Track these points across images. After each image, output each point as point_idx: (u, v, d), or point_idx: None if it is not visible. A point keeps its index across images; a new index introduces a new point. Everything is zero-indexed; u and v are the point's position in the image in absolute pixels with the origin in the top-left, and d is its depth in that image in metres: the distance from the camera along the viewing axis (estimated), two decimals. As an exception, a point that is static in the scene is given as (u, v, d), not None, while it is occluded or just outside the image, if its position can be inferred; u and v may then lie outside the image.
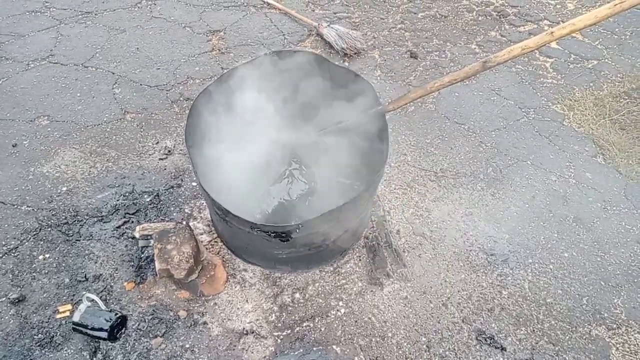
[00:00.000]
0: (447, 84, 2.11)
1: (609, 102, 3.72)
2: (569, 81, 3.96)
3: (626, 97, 3.77)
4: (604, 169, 3.19)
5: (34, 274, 2.45)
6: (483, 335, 2.29)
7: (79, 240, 2.60)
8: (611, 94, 3.81)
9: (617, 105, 3.68)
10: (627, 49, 4.35)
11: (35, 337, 2.20)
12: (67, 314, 2.29)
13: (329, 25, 4.19)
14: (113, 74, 3.69)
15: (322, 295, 2.42)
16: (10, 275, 2.42)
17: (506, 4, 4.90)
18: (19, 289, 2.38)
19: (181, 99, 3.54)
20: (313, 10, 4.62)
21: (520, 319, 2.37)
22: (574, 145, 3.36)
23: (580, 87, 3.89)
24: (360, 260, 2.57)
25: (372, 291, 2.44)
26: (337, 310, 2.36)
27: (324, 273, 2.51)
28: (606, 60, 4.21)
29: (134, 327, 2.24)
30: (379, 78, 3.89)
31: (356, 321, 2.32)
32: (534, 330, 2.34)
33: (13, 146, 3.07)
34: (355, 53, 4.09)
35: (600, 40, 4.43)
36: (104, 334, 2.14)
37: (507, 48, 1.96)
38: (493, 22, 4.64)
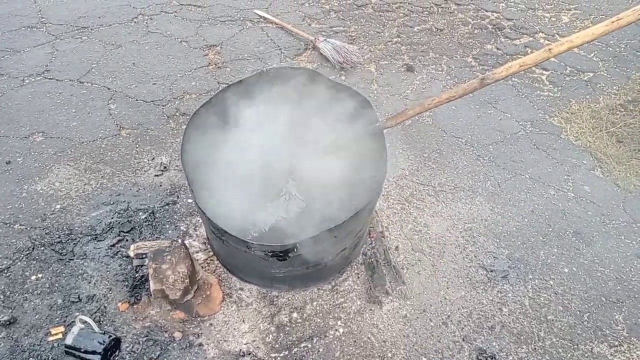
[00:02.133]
0: (445, 101, 2.09)
1: (605, 114, 3.72)
2: (565, 94, 3.96)
3: (622, 110, 3.78)
4: (602, 182, 3.18)
5: (26, 294, 2.40)
6: (484, 355, 2.25)
7: (73, 260, 2.55)
8: (607, 106, 3.81)
9: (613, 118, 3.68)
10: (622, 61, 4.37)
11: (26, 360, 2.15)
12: (60, 336, 2.24)
13: (325, 39, 4.19)
14: (109, 89, 3.67)
15: (320, 314, 2.38)
16: (2, 297, 2.37)
17: (501, 17, 4.92)
18: (10, 310, 2.33)
19: (177, 114, 3.52)
20: (309, 25, 4.63)
21: (522, 337, 2.34)
22: (571, 158, 3.35)
23: (576, 100, 3.89)
24: (358, 277, 2.53)
25: (371, 310, 2.40)
26: (336, 330, 2.32)
27: (322, 291, 2.47)
28: (602, 72, 4.23)
29: (127, 349, 2.19)
30: (375, 92, 3.89)
31: (355, 341, 2.28)
32: (535, 349, 2.31)
33: (7, 163, 3.04)
34: (351, 67, 4.10)
35: (596, 52, 4.45)
36: (98, 358, 2.09)
37: (505, 65, 1.95)
38: (489, 35, 4.65)
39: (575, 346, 2.32)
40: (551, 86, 4.05)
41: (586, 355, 2.29)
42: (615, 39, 4.59)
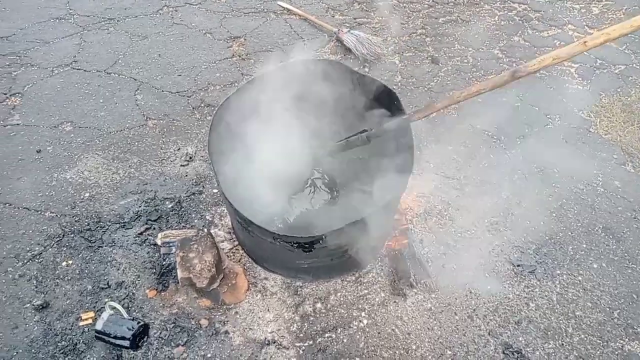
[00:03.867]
0: (474, 94, 2.06)
1: (637, 108, 3.62)
2: (595, 87, 3.87)
3: (655, 103, 3.67)
4: (634, 177, 3.10)
5: (57, 280, 2.46)
6: (510, 349, 2.23)
7: (102, 247, 2.61)
8: (640, 99, 3.71)
9: (646, 112, 3.58)
10: (656, 53, 4.24)
11: (58, 344, 2.20)
12: (90, 321, 2.29)
13: (349, 31, 4.16)
14: (135, 80, 3.72)
15: (344, 305, 2.38)
16: (35, 282, 2.44)
17: (529, 9, 4.82)
18: (42, 295, 2.39)
19: (202, 105, 3.55)
20: (333, 16, 4.60)
21: (549, 333, 2.31)
22: (601, 152, 3.27)
23: (606, 93, 3.80)
24: (382, 270, 2.52)
25: (395, 302, 2.39)
26: (360, 321, 2.32)
27: (345, 282, 2.47)
28: (634, 65, 4.11)
29: (155, 335, 2.23)
30: (399, 84, 3.85)
31: (379, 333, 2.28)
32: (562, 344, 2.27)
33: (37, 152, 3.10)
34: (375, 59, 4.06)
35: (627, 44, 4.33)
36: (127, 343, 2.13)
37: (538, 58, 1.90)
38: (516, 27, 4.56)
39: (605, 343, 2.27)
40: (580, 79, 3.96)
41: (616, 352, 2.25)
42: (648, 31, 4.45)
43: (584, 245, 2.68)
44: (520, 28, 4.55)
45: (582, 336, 2.30)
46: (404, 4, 4.84)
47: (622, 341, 2.29)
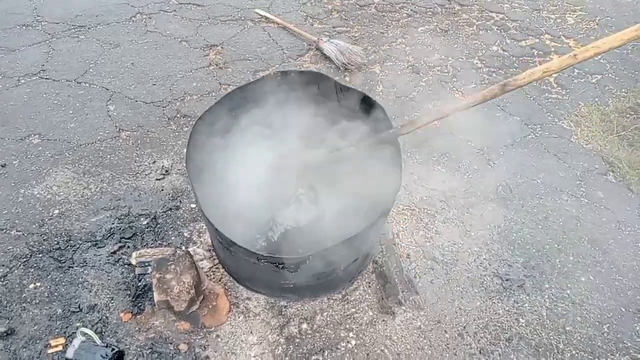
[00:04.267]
0: (464, 107, 2.01)
1: (615, 117, 3.66)
2: (574, 96, 3.90)
3: (632, 113, 3.72)
4: (616, 187, 3.11)
5: (24, 304, 2.29)
6: (502, 368, 2.17)
7: (72, 267, 2.45)
8: (617, 109, 3.75)
9: (624, 121, 3.62)
10: (630, 63, 4.31)
11: (24, 375, 2.04)
12: (60, 348, 2.14)
13: (328, 40, 4.10)
14: (107, 90, 3.56)
15: (331, 325, 2.29)
16: (-2, 307, 2.27)
17: (507, 18, 4.86)
18: (7, 321, 2.22)
19: (178, 115, 3.42)
20: (312, 25, 4.54)
21: (540, 349, 2.26)
22: (583, 162, 3.28)
23: (585, 102, 3.83)
24: (370, 286, 2.44)
25: (383, 320, 2.31)
26: (347, 342, 2.23)
27: (332, 301, 2.38)
28: (609, 75, 4.17)
29: (131, 363, 2.10)
30: (381, 93, 3.81)
31: (368, 354, 2.19)
32: (554, 361, 2.23)
33: (2, 166, 2.92)
34: (356, 68, 4.01)
35: (603, 55, 4.39)
36: (100, 373, 1.99)
37: (528, 70, 1.86)
38: (494, 37, 4.59)
39: (596, 358, 2.24)
40: (559, 88, 3.99)
41: (607, 368, 2.22)
42: (622, 41, 4.53)
43: (571, 258, 2.66)
44: (498, 37, 4.57)
45: (574, 352, 2.26)
46: (383, 14, 4.81)
47: (612, 356, 2.26)
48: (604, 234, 2.80)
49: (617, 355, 2.26)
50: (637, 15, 4.95)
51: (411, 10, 4.90)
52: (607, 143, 3.43)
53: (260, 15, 4.55)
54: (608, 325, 2.37)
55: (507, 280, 2.51)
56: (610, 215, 2.92)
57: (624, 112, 3.71)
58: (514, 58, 4.29)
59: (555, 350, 2.26)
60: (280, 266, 1.93)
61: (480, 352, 2.22)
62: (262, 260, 1.92)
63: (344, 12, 4.77)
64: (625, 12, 4.97)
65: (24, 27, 4.10)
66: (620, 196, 3.04)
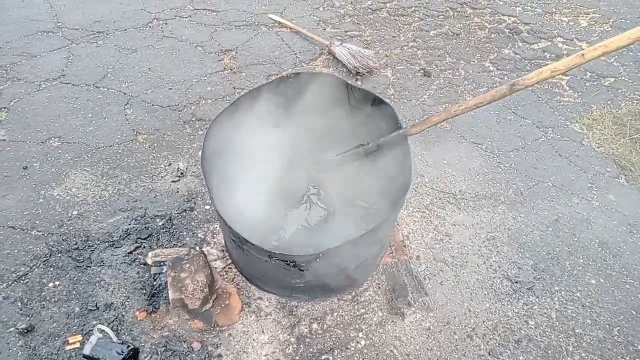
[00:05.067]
0: (472, 108, 2.04)
1: (628, 120, 3.64)
2: (586, 99, 3.89)
3: (646, 116, 3.69)
4: (627, 190, 3.10)
5: (44, 302, 2.37)
6: (511, 369, 2.18)
7: (90, 267, 2.52)
8: (630, 112, 3.73)
9: (636, 124, 3.60)
10: (644, 66, 4.28)
11: (44, 370, 2.11)
12: (77, 345, 2.21)
13: (340, 44, 4.15)
14: (125, 94, 3.65)
15: (341, 325, 2.32)
16: (19, 304, 2.35)
17: (518, 22, 4.86)
18: (28, 318, 2.30)
19: (193, 119, 3.49)
20: (324, 29, 4.59)
21: (549, 351, 2.27)
22: (595, 165, 3.27)
23: (598, 106, 3.82)
24: (379, 288, 2.48)
25: (393, 321, 2.34)
26: (357, 342, 2.27)
27: (342, 302, 2.42)
28: (623, 77, 4.15)
29: (146, 359, 2.15)
30: (392, 97, 3.84)
31: (377, 354, 2.22)
32: (563, 363, 2.24)
33: (24, 169, 3.02)
34: (367, 72, 4.05)
35: (616, 57, 4.37)
36: (116, 368, 2.05)
37: (536, 70, 1.89)
38: (506, 40, 4.59)
39: (606, 361, 2.25)
40: (571, 92, 3.98)
41: (617, 370, 2.22)
42: (637, 44, 4.50)
43: (581, 261, 2.66)
44: (510, 41, 4.58)
45: (583, 354, 2.26)
46: (395, 17, 4.85)
47: (622, 359, 2.25)
48: (615, 237, 2.79)
49: (628, 358, 2.26)
50: (652, 17, 4.91)
51: (423, 14, 4.93)
52: (620, 146, 3.42)
53: (274, 20, 4.62)
54: (618, 328, 2.37)
55: (516, 282, 2.52)
56: (621, 218, 2.91)
57: (637, 115, 3.69)
58: (526, 61, 4.30)
59: (565, 353, 2.26)
60: (292, 264, 1.97)
61: (489, 354, 2.24)
62: (274, 258, 1.96)
63: (356, 17, 4.82)
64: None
65: (44, 34, 4.22)
66: (631, 199, 3.03)
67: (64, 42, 4.14)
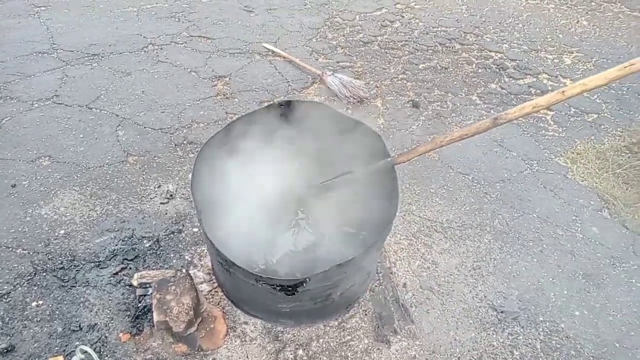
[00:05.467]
0: (457, 139, 2.09)
1: (611, 155, 3.74)
2: (570, 134, 3.99)
3: (627, 152, 3.80)
4: (610, 223, 3.16)
5: (26, 321, 2.33)
6: (495, 399, 2.18)
7: (75, 287, 2.50)
8: (612, 147, 3.84)
9: (619, 159, 3.70)
10: (625, 104, 4.42)
11: (22, 392, 2.07)
12: (58, 366, 2.17)
13: (332, 74, 4.25)
14: (117, 116, 3.68)
15: (327, 352, 2.31)
16: (0, 323, 2.31)
17: (505, 58, 5.01)
18: (8, 337, 2.26)
19: (185, 142, 3.52)
20: (317, 59, 4.70)
21: (533, 382, 2.27)
22: (578, 198, 3.34)
23: (582, 140, 3.92)
24: (366, 314, 2.48)
25: (379, 349, 2.34)
26: (343, 368, 2.25)
27: (328, 328, 2.41)
28: (605, 114, 4.27)
29: (128, 383, 2.12)
30: (381, 126, 3.91)
31: (362, 381, 2.21)
32: (547, 394, 2.24)
33: (12, 186, 3.01)
34: (358, 101, 4.13)
35: (599, 94, 4.51)
36: (97, 391, 2.02)
37: (519, 106, 1.95)
38: (493, 75, 4.73)
39: (589, 393, 2.25)
40: (556, 126, 4.09)
41: (600, 402, 2.23)
42: (617, 82, 4.66)
43: (565, 292, 2.69)
44: (497, 76, 4.71)
45: (567, 385, 2.27)
46: (385, 50, 4.98)
47: (606, 391, 2.27)
48: (599, 269, 2.83)
49: (610, 390, 2.27)
50: (631, 58, 5.09)
51: (413, 48, 5.07)
52: (603, 180, 3.50)
53: (268, 49, 4.73)
54: None
55: (502, 312, 2.54)
56: (605, 250, 2.96)
57: (620, 151, 3.79)
58: (512, 96, 4.42)
59: (549, 383, 2.27)
60: (278, 288, 1.98)
61: (473, 383, 2.24)
62: (261, 282, 1.97)
63: (348, 48, 4.95)
64: (620, 54, 5.13)
65: (39, 54, 4.27)
66: (614, 232, 3.08)
67: (59, 64, 4.18)
